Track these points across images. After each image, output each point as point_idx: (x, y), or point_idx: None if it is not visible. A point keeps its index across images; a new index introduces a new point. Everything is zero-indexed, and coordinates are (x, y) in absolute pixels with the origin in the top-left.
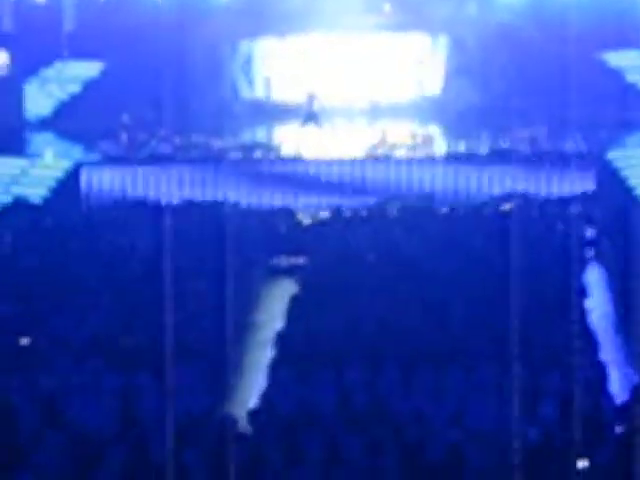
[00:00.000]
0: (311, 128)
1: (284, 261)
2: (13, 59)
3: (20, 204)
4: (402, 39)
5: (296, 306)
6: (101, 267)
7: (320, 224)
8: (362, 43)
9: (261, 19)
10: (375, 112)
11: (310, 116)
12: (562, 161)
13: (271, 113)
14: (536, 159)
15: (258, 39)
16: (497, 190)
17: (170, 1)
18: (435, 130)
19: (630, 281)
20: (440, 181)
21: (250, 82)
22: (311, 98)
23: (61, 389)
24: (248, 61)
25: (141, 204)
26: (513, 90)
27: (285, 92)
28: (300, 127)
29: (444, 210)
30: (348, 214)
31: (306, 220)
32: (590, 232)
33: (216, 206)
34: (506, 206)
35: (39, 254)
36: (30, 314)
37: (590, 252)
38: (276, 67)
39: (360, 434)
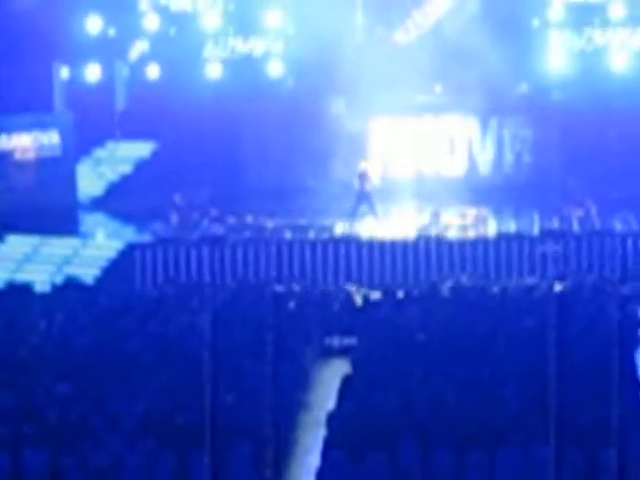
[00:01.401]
0: (364, 208)
1: (337, 341)
2: (65, 139)
3: (72, 284)
4: (453, 120)
5: (348, 386)
6: (154, 346)
7: (373, 304)
8: (413, 123)
9: None
10: (426, 192)
11: (362, 196)
12: (613, 240)
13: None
14: (587, 238)
15: None
16: (549, 270)
17: (221, 81)
18: (486, 210)
19: None
20: (492, 261)
21: None
22: (363, 177)
23: (114, 468)
24: None
25: (194, 284)
26: (564, 169)
27: (340, 172)
28: (353, 206)
29: (496, 290)
30: (400, 294)
31: (359, 300)
32: None
33: (270, 286)
34: (558, 286)
35: (91, 333)
36: (83, 393)
37: None
38: None
39: None
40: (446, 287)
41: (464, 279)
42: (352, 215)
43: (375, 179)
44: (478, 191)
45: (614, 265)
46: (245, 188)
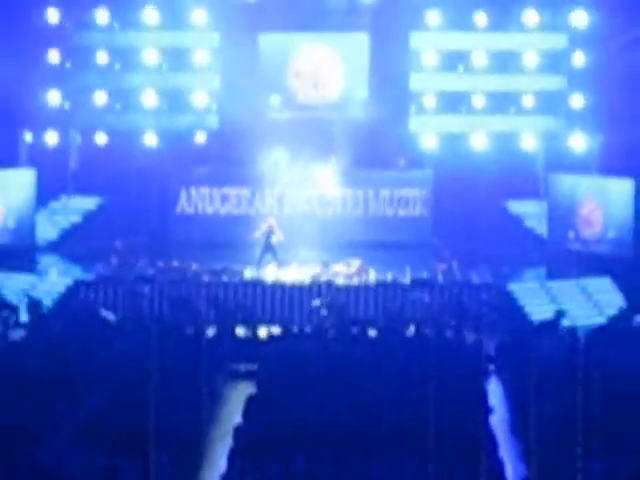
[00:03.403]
0: (268, 259)
1: (243, 367)
2: (28, 193)
3: (35, 304)
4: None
5: (252, 404)
6: (96, 369)
7: (274, 337)
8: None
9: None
10: (318, 245)
11: (267, 247)
12: (470, 289)
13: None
14: (449, 287)
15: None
16: (418, 313)
17: (160, 148)
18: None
19: (523, 393)
20: (372, 304)
21: None
22: (270, 232)
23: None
24: None
25: (131, 318)
26: (433, 228)
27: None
28: (259, 256)
29: (373, 331)
30: (296, 330)
31: (262, 333)
32: (493, 350)
33: (194, 320)
34: (425, 328)
35: (43, 354)
36: (32, 403)
37: (491, 367)
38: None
39: None
40: (333, 327)
41: (346, 320)
42: (258, 263)
43: (279, 234)
44: (361, 246)
45: (471, 310)
46: (173, 237)
